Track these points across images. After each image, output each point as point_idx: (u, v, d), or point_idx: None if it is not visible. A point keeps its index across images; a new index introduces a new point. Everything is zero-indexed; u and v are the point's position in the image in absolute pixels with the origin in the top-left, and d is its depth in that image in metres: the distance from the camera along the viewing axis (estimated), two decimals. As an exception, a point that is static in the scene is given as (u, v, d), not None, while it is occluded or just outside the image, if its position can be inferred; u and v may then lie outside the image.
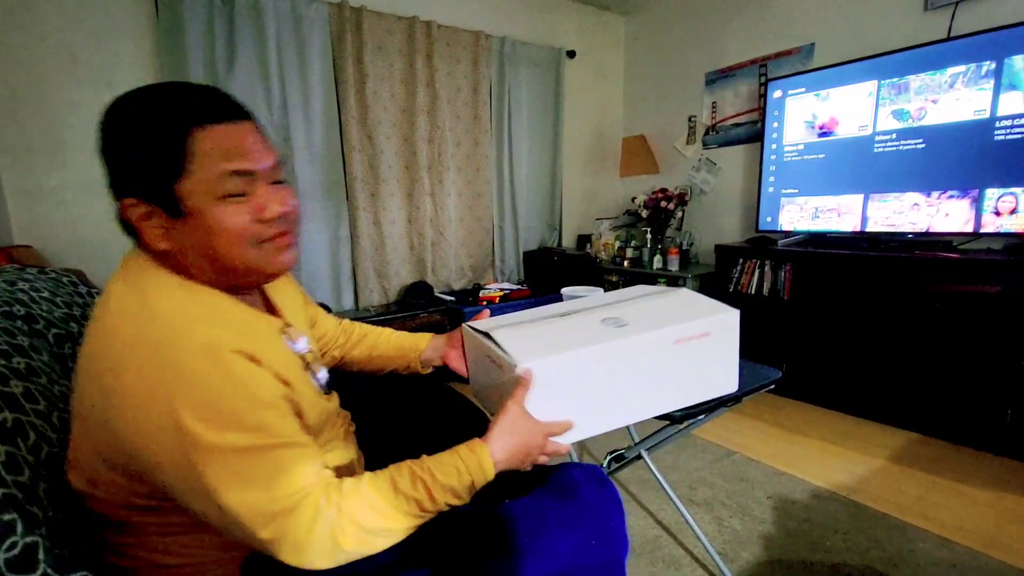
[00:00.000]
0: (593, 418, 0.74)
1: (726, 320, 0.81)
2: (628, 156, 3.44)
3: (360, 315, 2.58)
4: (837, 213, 2.41)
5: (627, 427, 1.65)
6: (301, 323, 0.81)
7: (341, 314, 2.58)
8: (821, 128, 2.43)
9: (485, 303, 2.73)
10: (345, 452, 0.80)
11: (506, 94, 3.03)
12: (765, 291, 2.54)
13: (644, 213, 3.15)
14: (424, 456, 0.63)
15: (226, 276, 0.62)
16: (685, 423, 1.00)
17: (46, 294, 1.08)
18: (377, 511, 0.57)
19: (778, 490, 1.69)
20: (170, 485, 0.53)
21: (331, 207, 2.57)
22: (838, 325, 2.28)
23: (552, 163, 3.36)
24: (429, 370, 0.99)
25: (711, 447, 2.00)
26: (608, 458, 1.31)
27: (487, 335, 0.77)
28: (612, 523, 0.71)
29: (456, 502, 0.62)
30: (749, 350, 2.88)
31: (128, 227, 0.60)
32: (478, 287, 2.94)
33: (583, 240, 3.55)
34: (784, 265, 2.47)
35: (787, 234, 2.62)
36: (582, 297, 0.98)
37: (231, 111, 0.60)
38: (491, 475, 0.63)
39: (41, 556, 0.52)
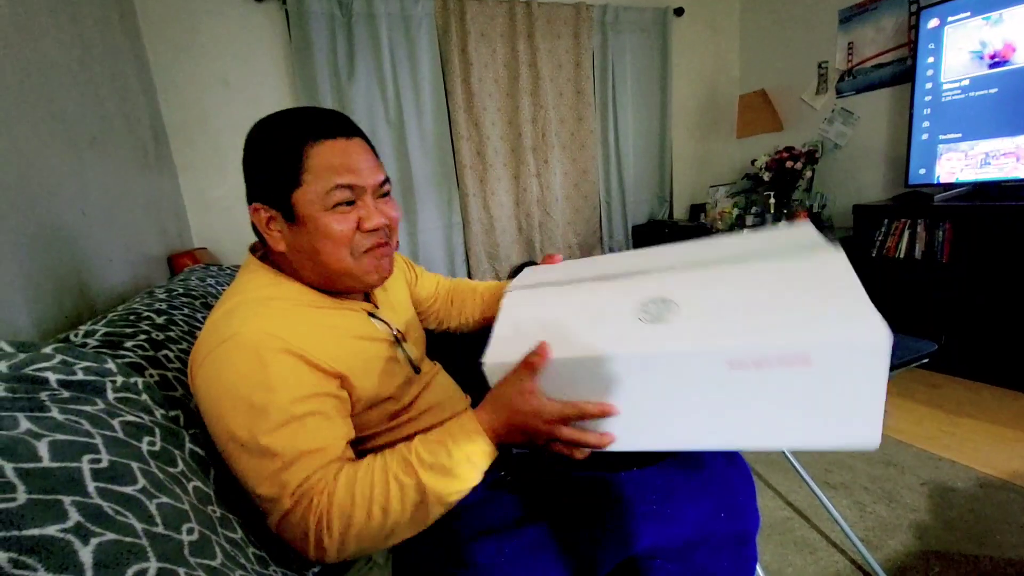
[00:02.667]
0: (621, 430, 0.58)
1: (856, 346, 0.46)
2: (746, 115, 3.17)
3: (475, 296, 2.72)
4: (1016, 158, 2.02)
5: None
6: (400, 307, 0.89)
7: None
8: (992, 57, 2.04)
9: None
10: None
11: (609, 64, 2.94)
12: (917, 254, 2.23)
13: (766, 176, 2.90)
14: (418, 436, 0.63)
15: (327, 279, 0.70)
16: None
17: (226, 287, 1.31)
18: (362, 507, 0.56)
19: (934, 476, 1.51)
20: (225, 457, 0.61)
21: (443, 195, 2.71)
22: (1016, 290, 1.93)
23: (660, 131, 3.21)
24: None
25: (850, 428, 1.83)
26: (731, 435, 1.27)
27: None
28: (741, 497, 0.70)
29: (455, 485, 0.59)
30: (897, 320, 2.55)
31: (257, 229, 0.71)
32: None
33: (696, 210, 3.37)
34: (942, 223, 2.14)
35: (946, 187, 2.26)
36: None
37: (343, 129, 0.67)
38: (488, 449, 0.61)
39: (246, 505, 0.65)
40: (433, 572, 0.65)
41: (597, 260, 0.77)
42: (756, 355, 0.48)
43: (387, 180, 0.72)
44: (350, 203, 0.67)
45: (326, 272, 0.69)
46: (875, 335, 0.45)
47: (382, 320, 0.79)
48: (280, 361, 0.60)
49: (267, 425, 0.57)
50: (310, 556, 0.58)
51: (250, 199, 0.69)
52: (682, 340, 0.52)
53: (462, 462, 0.59)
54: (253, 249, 0.76)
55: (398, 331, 0.81)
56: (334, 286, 0.72)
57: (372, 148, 0.72)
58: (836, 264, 0.54)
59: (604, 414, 0.57)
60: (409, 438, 0.64)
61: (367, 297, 0.82)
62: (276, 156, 0.65)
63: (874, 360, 0.45)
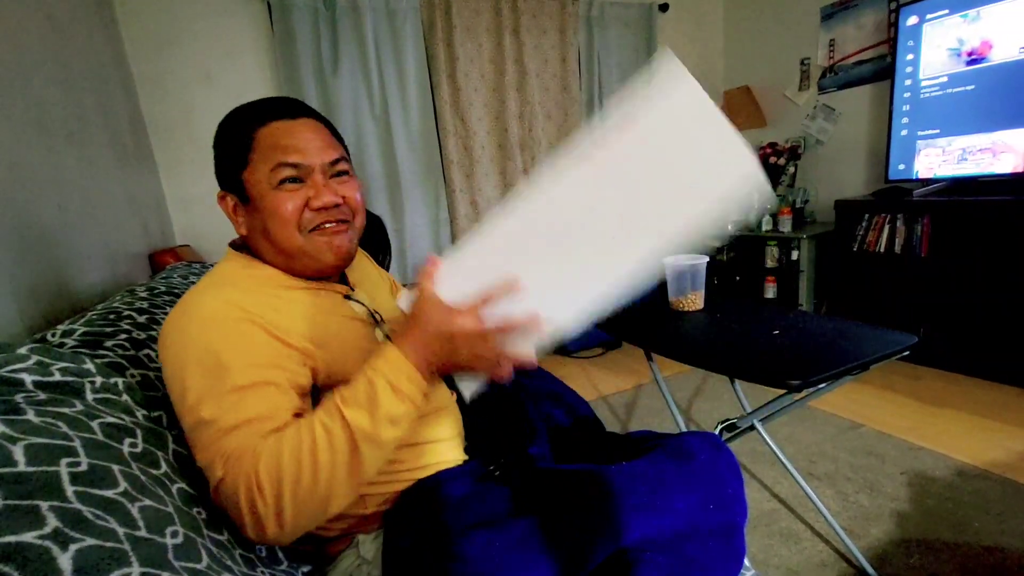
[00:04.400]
0: (540, 301, 0.56)
1: (659, 73, 0.49)
2: (730, 111, 3.20)
3: (463, 292, 2.71)
4: (992, 153, 2.07)
5: (737, 396, 1.60)
6: (377, 290, 0.87)
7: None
8: (970, 55, 2.08)
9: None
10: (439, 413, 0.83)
11: (595, 60, 2.94)
12: (897, 248, 2.27)
13: (750, 171, 2.93)
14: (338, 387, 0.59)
15: (285, 258, 0.70)
16: (804, 393, 0.95)
17: (211, 285, 1.28)
18: (291, 462, 0.52)
19: (914, 466, 1.54)
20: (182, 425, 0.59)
21: (430, 191, 2.70)
22: (992, 283, 1.98)
23: (646, 127, 3.22)
24: None
25: (833, 419, 1.86)
26: (719, 427, 1.28)
27: None
28: (729, 488, 0.70)
29: (381, 417, 0.55)
30: (878, 314, 2.61)
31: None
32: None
33: (682, 205, 3.39)
34: (921, 218, 2.18)
35: (925, 182, 2.30)
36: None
37: (292, 111, 0.69)
38: (409, 369, 0.57)
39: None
40: (423, 566, 0.64)
41: None
42: (595, 141, 0.51)
43: (342, 159, 0.72)
44: (297, 181, 0.67)
45: (281, 251, 0.69)
46: (672, 63, 0.48)
47: (359, 302, 0.78)
48: (239, 329, 0.60)
49: (217, 391, 0.56)
50: (249, 533, 0.53)
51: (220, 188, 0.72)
52: (540, 182, 0.53)
53: (384, 389, 0.56)
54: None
55: (376, 312, 0.80)
56: (295, 267, 0.71)
57: (331, 129, 0.73)
58: (664, 59, 0.53)
59: (509, 287, 0.56)
60: None
61: (344, 281, 0.81)
62: (229, 142, 0.69)
63: (685, 85, 0.48)
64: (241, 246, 0.75)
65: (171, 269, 1.37)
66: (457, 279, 0.57)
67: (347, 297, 0.78)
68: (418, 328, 0.57)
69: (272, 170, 0.66)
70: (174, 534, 0.45)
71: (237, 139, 0.68)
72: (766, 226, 2.81)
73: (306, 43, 2.27)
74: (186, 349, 0.59)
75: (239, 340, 0.59)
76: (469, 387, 0.63)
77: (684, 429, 1.59)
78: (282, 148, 0.66)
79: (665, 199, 0.53)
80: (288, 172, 0.66)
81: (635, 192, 0.52)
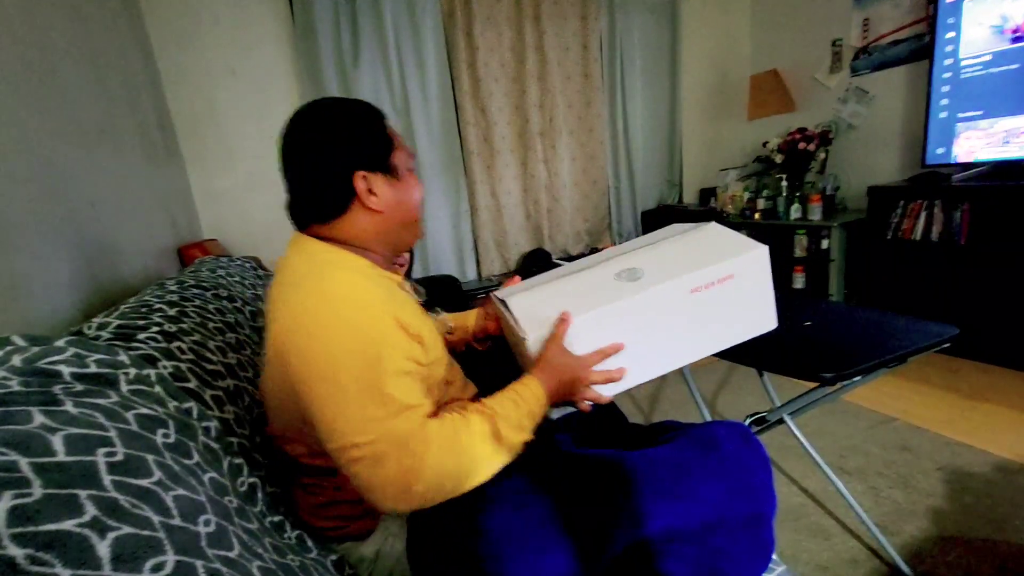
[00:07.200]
0: (630, 363, 0.77)
1: (753, 258, 0.77)
2: (757, 96, 3.11)
3: (483, 285, 2.71)
4: (1037, 135, 1.97)
5: (766, 389, 1.56)
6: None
7: (465, 284, 2.75)
8: (1015, 32, 1.97)
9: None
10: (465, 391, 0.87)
11: (617, 46, 2.88)
12: (934, 236, 2.19)
13: (778, 158, 2.84)
14: (487, 400, 0.70)
15: (404, 231, 0.78)
16: (838, 385, 0.93)
17: (237, 278, 1.31)
18: (452, 452, 0.62)
19: (951, 461, 1.49)
20: (307, 411, 0.61)
21: (450, 182, 2.70)
22: (1037, 272, 1.89)
23: (670, 115, 3.16)
24: (486, 345, 1.02)
25: (865, 412, 1.81)
26: (748, 421, 1.26)
27: (504, 303, 0.83)
28: (757, 478, 0.69)
29: (521, 436, 0.68)
30: (915, 304, 2.52)
31: (313, 206, 0.73)
32: (595, 251, 2.92)
33: (706, 194, 3.32)
34: (961, 204, 2.09)
35: (965, 167, 2.20)
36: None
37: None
38: (545, 402, 0.71)
39: (260, 495, 0.66)
40: (447, 539, 0.66)
41: (563, 268, 0.95)
42: (706, 280, 0.75)
43: None
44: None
45: (407, 224, 0.78)
46: (760, 252, 0.78)
47: (406, 291, 0.81)
48: (382, 318, 0.64)
49: (375, 374, 0.60)
50: (386, 503, 0.60)
51: (347, 170, 0.71)
52: (656, 283, 0.75)
53: (527, 416, 0.68)
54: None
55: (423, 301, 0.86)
56: (398, 241, 0.79)
57: None
58: (716, 228, 0.86)
59: (616, 350, 0.74)
60: (442, 406, 0.69)
61: None
62: (374, 127, 0.75)
63: (761, 264, 0.78)
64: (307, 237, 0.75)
65: (200, 263, 1.40)
66: (578, 337, 0.74)
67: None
68: (557, 372, 0.72)
69: (408, 157, 0.78)
70: (207, 523, 0.46)
71: (377, 127, 0.75)
72: (795, 214, 2.73)
73: (327, 35, 2.28)
74: (338, 331, 0.61)
75: (385, 328, 0.63)
76: (557, 411, 0.80)
77: (709, 417, 1.57)
78: (403, 141, 0.79)
79: (727, 325, 0.80)
80: (413, 163, 0.80)
81: (713, 314, 0.78)
